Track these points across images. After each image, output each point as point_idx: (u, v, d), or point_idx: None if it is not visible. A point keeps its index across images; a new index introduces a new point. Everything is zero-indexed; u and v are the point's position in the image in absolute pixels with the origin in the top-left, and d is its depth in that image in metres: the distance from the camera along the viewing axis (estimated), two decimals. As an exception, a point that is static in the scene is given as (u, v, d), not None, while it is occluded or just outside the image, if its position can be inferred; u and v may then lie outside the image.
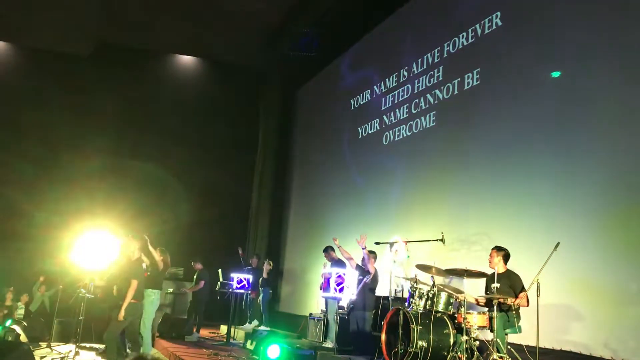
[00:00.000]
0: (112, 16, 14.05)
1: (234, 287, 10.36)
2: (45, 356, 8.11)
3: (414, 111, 9.84)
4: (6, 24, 14.48)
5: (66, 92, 14.75)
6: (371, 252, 8.35)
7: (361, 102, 11.75)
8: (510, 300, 5.95)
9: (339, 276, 7.75)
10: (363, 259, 8.23)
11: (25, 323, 8.79)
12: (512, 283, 6.12)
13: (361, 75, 11.82)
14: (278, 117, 15.17)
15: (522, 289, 6.04)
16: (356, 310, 8.13)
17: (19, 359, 6.21)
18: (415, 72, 9.97)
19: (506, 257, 6.31)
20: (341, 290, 7.76)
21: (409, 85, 10.10)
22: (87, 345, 8.83)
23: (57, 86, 14.82)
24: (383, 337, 6.40)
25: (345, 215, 11.46)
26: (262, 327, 11.06)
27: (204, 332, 11.34)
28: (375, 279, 8.20)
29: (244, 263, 12.06)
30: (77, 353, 7.95)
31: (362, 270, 8.35)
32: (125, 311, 6.99)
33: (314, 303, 10.85)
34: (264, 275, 11.26)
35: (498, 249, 6.36)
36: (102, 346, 8.71)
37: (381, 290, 8.31)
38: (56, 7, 13.44)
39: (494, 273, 6.04)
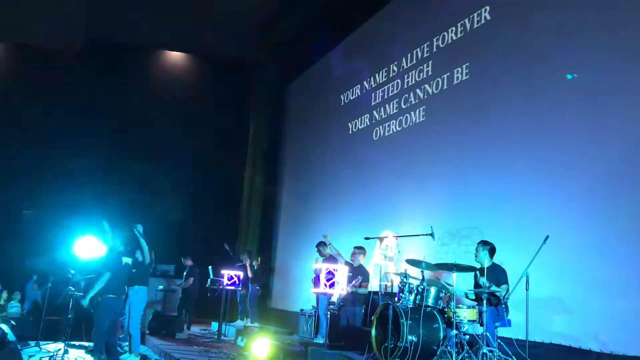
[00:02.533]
0: (101, 13, 13.94)
1: (225, 284, 10.32)
2: (34, 355, 8.05)
3: (403, 106, 9.82)
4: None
5: (57, 89, 14.65)
6: (360, 248, 8.34)
7: (351, 98, 11.73)
8: (500, 293, 5.97)
9: (329, 272, 7.72)
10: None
11: (13, 322, 8.72)
12: (496, 276, 6.13)
13: (351, 71, 11.78)
14: (268, 113, 15.12)
15: (505, 282, 6.06)
16: (347, 306, 8.13)
17: (6, 358, 6.14)
18: (405, 67, 9.95)
19: (492, 251, 6.32)
20: (331, 285, 7.73)
21: (399, 80, 10.08)
22: (77, 343, 8.77)
23: (47, 84, 14.73)
24: (373, 332, 6.38)
25: (335, 211, 11.44)
26: (251, 324, 11.02)
27: (195, 329, 11.30)
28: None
29: (234, 257, 12.02)
30: (66, 351, 7.90)
31: (351, 266, 8.34)
32: (99, 304, 6.91)
33: (306, 299, 10.82)
34: (249, 273, 11.23)
35: (483, 243, 6.37)
36: (91, 344, 8.67)
37: (371, 286, 8.30)
38: (46, 4, 13.33)
39: (482, 267, 6.04)
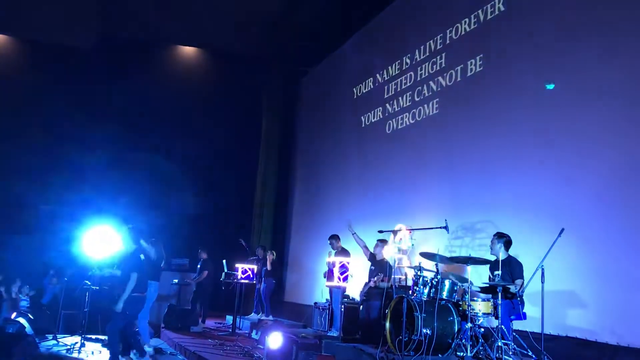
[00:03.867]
0: (114, 8, 14.01)
1: (239, 277, 10.36)
2: (51, 348, 8.15)
3: (417, 99, 9.77)
4: (8, 17, 14.46)
5: (70, 84, 14.75)
6: (383, 241, 8.30)
7: (364, 91, 11.69)
8: (512, 288, 5.94)
9: (343, 265, 7.72)
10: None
11: (31, 315, 8.83)
12: (511, 270, 6.10)
13: (364, 64, 11.73)
14: (281, 107, 15.11)
15: (519, 276, 6.03)
16: (369, 301, 8.06)
17: (24, 351, 6.23)
18: (418, 59, 9.89)
19: (507, 243, 6.28)
20: (345, 279, 7.73)
21: (412, 73, 10.03)
22: (93, 336, 8.86)
23: (60, 79, 14.83)
24: (387, 325, 6.37)
25: (348, 204, 11.43)
26: (265, 317, 11.06)
27: (209, 323, 11.36)
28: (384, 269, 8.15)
29: (249, 251, 12.07)
30: (83, 345, 7.99)
31: (374, 259, 8.31)
32: (124, 304, 6.91)
33: (319, 292, 10.85)
34: (267, 267, 11.26)
35: (499, 235, 6.33)
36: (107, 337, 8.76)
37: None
38: (58, 0, 13.43)
39: (497, 260, 6.00)
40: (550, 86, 6.87)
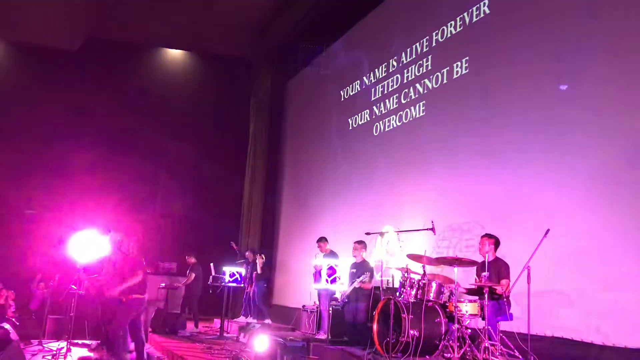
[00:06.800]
0: (101, 10, 13.92)
1: (227, 280, 10.32)
2: (37, 353, 8.07)
3: (403, 101, 9.80)
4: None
5: (56, 87, 14.65)
6: (361, 242, 8.30)
7: (351, 93, 11.71)
8: (499, 290, 5.96)
9: (330, 267, 7.72)
10: None
11: (14, 320, 8.74)
12: (498, 270, 6.13)
13: (351, 66, 11.76)
14: (269, 109, 15.08)
15: (505, 277, 6.06)
16: (350, 303, 8.06)
17: (9, 357, 6.16)
18: (405, 61, 9.93)
19: (496, 244, 6.32)
20: (333, 281, 7.72)
21: (399, 75, 10.06)
22: (79, 341, 8.78)
23: (46, 81, 14.74)
24: (375, 327, 6.38)
25: (336, 207, 11.44)
26: (265, 321, 11.01)
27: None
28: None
29: (240, 255, 12.01)
30: (68, 350, 7.91)
31: (354, 262, 8.30)
32: (130, 305, 6.89)
33: (307, 295, 10.82)
34: (258, 270, 11.22)
35: (488, 236, 6.36)
36: (93, 342, 8.70)
37: (373, 281, 8.27)
38: (44, 1, 13.32)
39: (484, 261, 6.03)
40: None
